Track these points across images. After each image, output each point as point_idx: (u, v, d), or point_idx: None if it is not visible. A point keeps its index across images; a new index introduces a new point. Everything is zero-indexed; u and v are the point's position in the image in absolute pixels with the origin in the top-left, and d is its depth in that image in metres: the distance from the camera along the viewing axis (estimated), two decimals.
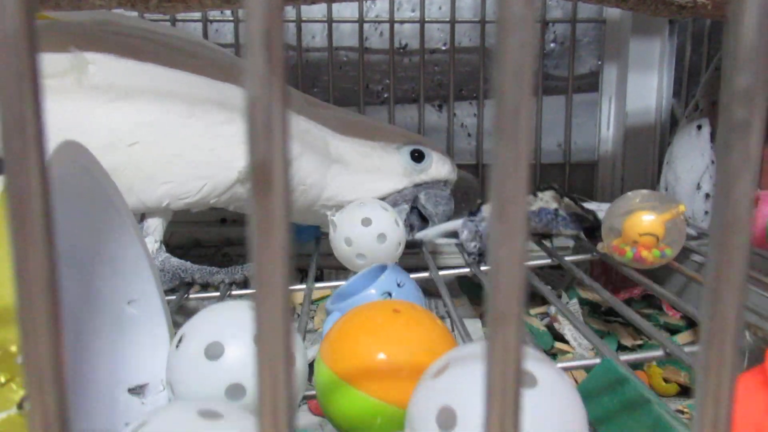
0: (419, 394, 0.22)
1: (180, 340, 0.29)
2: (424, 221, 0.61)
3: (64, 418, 0.10)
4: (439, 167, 0.62)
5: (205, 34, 0.77)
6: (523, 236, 0.10)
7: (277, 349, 0.10)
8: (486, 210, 0.61)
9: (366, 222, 0.50)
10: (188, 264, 0.54)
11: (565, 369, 0.38)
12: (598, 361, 0.34)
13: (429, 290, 0.59)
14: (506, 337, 0.10)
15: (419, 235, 0.60)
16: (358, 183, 0.58)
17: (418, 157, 0.60)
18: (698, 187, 0.64)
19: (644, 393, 0.28)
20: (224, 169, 0.51)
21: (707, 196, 0.63)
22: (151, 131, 0.49)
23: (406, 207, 0.60)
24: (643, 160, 0.77)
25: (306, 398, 0.42)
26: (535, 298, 0.68)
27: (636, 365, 0.51)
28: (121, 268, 0.33)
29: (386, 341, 0.27)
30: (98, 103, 0.49)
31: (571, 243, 0.65)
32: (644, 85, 0.76)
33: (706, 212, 0.64)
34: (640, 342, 0.59)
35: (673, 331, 0.62)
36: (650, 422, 0.27)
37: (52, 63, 0.49)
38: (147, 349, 0.33)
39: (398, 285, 0.43)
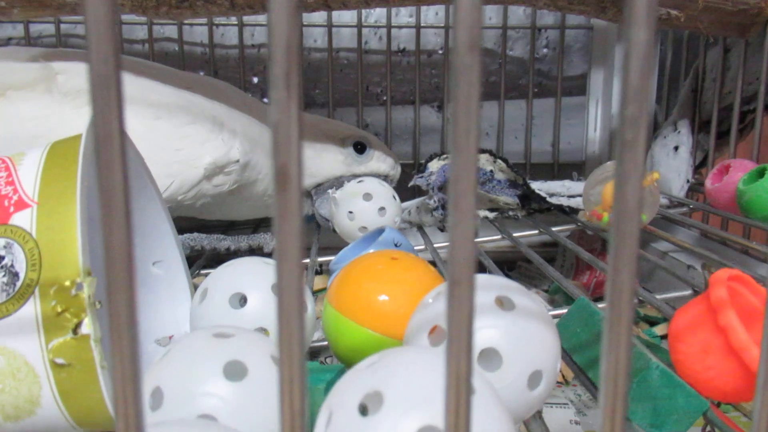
0: (416, 317, 0.26)
1: (204, 293, 0.32)
2: None
3: (136, 355, 0.14)
4: (379, 162, 0.66)
5: (211, 38, 0.81)
6: (471, 222, 0.14)
7: (292, 301, 0.14)
8: (432, 165, 0.64)
9: (367, 197, 0.53)
10: (196, 234, 0.58)
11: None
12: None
13: None
14: (461, 296, 0.14)
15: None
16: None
17: (360, 149, 0.65)
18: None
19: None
20: (191, 167, 0.54)
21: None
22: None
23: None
24: None
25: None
26: None
27: None
28: (147, 231, 0.37)
29: (386, 283, 0.30)
30: (68, 108, 0.51)
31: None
32: None
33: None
34: None
35: (652, 322, 0.66)
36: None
37: (18, 74, 0.52)
38: (171, 305, 0.37)
39: (396, 245, 0.46)
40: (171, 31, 0.81)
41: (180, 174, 0.54)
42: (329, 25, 0.80)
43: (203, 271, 0.57)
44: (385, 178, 0.66)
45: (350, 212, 0.53)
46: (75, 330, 0.26)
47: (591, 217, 0.54)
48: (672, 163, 0.67)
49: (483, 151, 0.63)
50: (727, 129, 0.64)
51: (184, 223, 0.74)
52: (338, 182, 0.63)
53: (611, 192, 0.53)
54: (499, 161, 0.62)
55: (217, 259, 0.64)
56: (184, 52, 0.81)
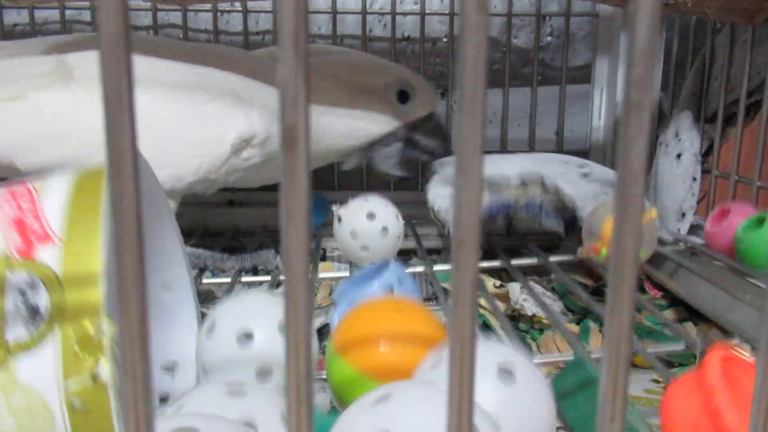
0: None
1: (212, 328, 0.32)
2: (423, 152, 0.67)
3: (148, 364, 0.14)
4: (423, 103, 0.65)
5: (215, 24, 0.81)
6: (478, 184, 0.14)
7: (300, 263, 0.14)
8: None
9: (371, 216, 0.53)
10: (200, 251, 0.58)
11: (546, 363, 0.43)
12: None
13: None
14: (466, 257, 0.14)
15: (432, 198, 0.65)
16: (349, 128, 0.63)
17: (403, 98, 0.65)
18: (682, 213, 0.68)
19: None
20: (217, 145, 0.55)
21: (683, 215, 0.68)
22: (141, 119, 0.52)
23: (399, 145, 0.65)
24: None
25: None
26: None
27: None
28: (159, 255, 0.36)
29: (390, 338, 0.31)
30: (86, 101, 0.52)
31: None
32: None
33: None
34: None
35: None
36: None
37: (36, 75, 0.52)
38: (178, 331, 0.37)
39: (399, 280, 0.46)
40: (176, 17, 0.81)
41: (208, 153, 0.54)
42: (333, 12, 0.80)
43: (206, 281, 0.57)
44: (429, 117, 0.66)
45: (353, 231, 0.53)
46: (94, 376, 0.26)
47: (589, 252, 0.54)
48: (676, 171, 0.68)
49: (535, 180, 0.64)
50: (730, 116, 0.64)
51: (187, 224, 0.74)
52: (393, 137, 0.65)
53: (610, 227, 0.53)
54: (550, 192, 0.63)
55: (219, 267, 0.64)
56: (189, 38, 0.81)
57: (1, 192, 0.30)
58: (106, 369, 0.26)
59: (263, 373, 0.31)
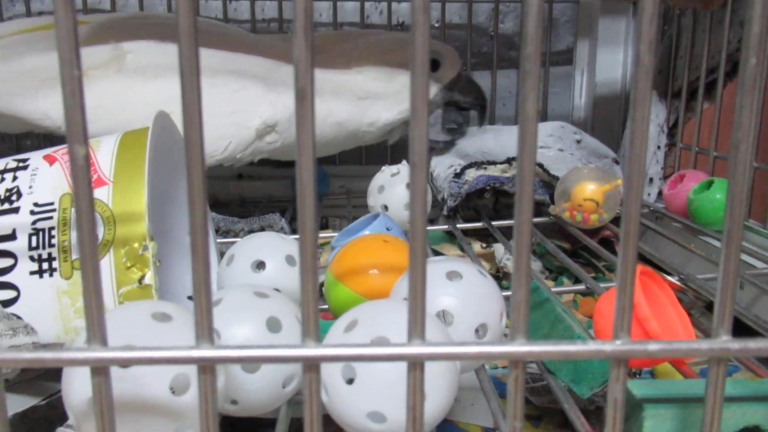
0: (392, 294, 0.34)
1: (230, 259, 0.39)
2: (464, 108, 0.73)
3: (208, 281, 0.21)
4: (451, 66, 0.70)
5: (225, 13, 0.87)
6: (424, 122, 0.21)
7: (308, 183, 0.21)
8: (469, 174, 0.71)
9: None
10: (213, 214, 0.65)
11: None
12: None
13: None
14: (418, 176, 0.21)
15: (433, 164, 0.72)
16: (391, 105, 0.69)
17: (433, 66, 0.70)
18: (649, 179, 0.75)
19: (551, 299, 0.39)
20: (244, 129, 0.62)
21: (651, 180, 0.75)
22: (179, 102, 0.58)
23: (439, 111, 0.72)
24: (610, 124, 0.88)
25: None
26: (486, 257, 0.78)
27: (585, 293, 0.62)
28: (184, 205, 0.44)
29: (377, 260, 0.38)
30: (136, 84, 0.60)
31: None
32: (612, 59, 0.86)
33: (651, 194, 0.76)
34: (593, 275, 0.70)
35: None
36: (552, 317, 0.38)
37: (96, 56, 0.60)
38: None
39: (387, 229, 0.53)
40: None
41: (235, 135, 0.62)
42: (334, 0, 0.87)
43: (219, 240, 0.64)
44: (458, 76, 0.71)
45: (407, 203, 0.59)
46: (140, 281, 0.34)
47: (563, 214, 0.61)
48: None
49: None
50: (694, 91, 0.71)
51: None
52: (431, 105, 0.69)
53: (579, 193, 0.61)
54: (537, 168, 0.70)
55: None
56: None
57: (63, 149, 0.38)
58: (148, 276, 0.33)
59: None
